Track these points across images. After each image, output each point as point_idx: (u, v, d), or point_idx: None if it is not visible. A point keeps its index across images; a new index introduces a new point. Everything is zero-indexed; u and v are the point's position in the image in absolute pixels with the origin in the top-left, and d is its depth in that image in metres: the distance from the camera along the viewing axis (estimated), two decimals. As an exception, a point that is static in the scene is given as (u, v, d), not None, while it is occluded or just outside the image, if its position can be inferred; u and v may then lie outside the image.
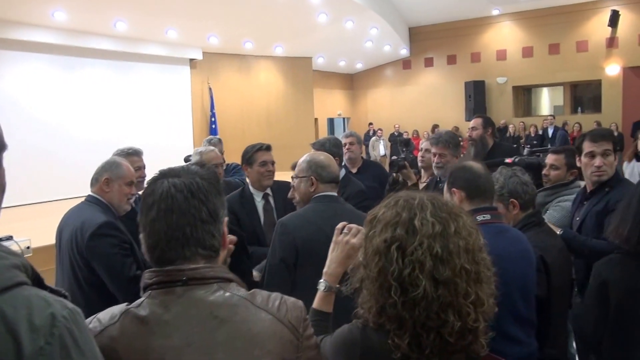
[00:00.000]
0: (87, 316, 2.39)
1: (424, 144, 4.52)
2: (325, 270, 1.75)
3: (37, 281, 1.01)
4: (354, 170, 4.69)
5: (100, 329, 1.15)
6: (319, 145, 3.81)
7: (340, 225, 1.80)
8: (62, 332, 0.93)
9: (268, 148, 3.87)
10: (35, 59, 10.69)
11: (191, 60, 14.04)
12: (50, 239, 3.19)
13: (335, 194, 2.62)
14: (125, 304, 1.20)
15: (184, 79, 13.96)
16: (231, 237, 1.38)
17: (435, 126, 18.23)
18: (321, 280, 1.73)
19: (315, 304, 1.67)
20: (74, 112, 11.24)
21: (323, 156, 2.72)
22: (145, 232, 1.22)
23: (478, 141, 4.65)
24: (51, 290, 1.01)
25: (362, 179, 4.32)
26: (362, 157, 4.87)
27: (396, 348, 1.32)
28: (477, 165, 2.29)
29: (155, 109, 12.82)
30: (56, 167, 10.51)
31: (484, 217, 2.14)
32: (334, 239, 1.78)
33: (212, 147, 4.39)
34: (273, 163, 3.72)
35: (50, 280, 3.03)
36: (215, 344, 1.13)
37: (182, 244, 1.19)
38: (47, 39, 10.53)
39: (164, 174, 1.25)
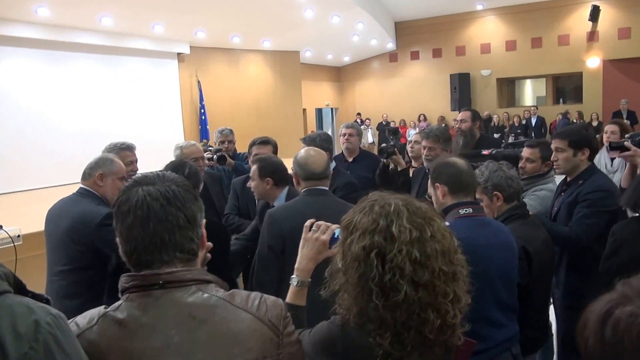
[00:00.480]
0: (87, 298, 2.54)
1: (413, 136, 4.75)
2: (296, 266, 1.79)
3: (19, 288, 1.04)
4: (350, 160, 4.79)
5: (78, 332, 1.14)
6: (310, 141, 3.88)
7: (308, 222, 1.83)
8: (46, 338, 0.97)
9: (263, 142, 4.10)
10: (21, 53, 10.60)
11: (179, 54, 13.99)
12: (40, 226, 3.23)
13: (325, 187, 2.72)
14: (103, 306, 1.21)
15: (172, 73, 13.91)
16: (207, 244, 1.38)
17: (421, 116, 18.52)
18: (293, 276, 1.77)
19: (289, 299, 1.69)
20: (62, 105, 11.20)
21: (304, 153, 2.82)
22: (122, 238, 1.22)
23: (467, 133, 4.82)
24: (33, 296, 1.04)
25: (357, 169, 4.50)
26: (360, 148, 4.92)
27: (378, 346, 1.36)
28: (460, 162, 2.35)
29: (144, 102, 12.77)
30: (44, 157, 10.55)
31: (466, 210, 2.23)
32: (303, 235, 1.82)
33: (193, 142, 4.41)
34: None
35: (41, 265, 3.15)
36: (194, 345, 1.14)
37: (159, 249, 1.19)
38: (32, 34, 10.42)
39: (138, 182, 1.25)
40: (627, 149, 3.07)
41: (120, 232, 1.22)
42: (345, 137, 4.78)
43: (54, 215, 3.00)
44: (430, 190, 2.40)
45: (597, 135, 4.45)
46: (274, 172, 3.16)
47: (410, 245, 1.36)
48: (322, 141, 3.89)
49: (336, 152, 5.22)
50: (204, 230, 1.32)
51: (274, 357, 1.23)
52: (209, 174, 4.43)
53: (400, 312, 1.36)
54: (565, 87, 18.29)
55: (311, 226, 1.82)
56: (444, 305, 1.38)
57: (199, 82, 14.33)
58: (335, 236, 1.74)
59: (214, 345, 1.16)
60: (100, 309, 1.19)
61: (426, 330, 1.37)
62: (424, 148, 4.02)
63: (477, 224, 2.21)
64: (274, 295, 1.36)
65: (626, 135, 3.29)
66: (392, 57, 19.87)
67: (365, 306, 1.38)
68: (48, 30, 10.69)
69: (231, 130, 5.32)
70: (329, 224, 1.80)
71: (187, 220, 1.23)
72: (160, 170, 1.34)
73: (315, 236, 1.78)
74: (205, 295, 1.20)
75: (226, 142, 5.13)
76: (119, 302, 1.19)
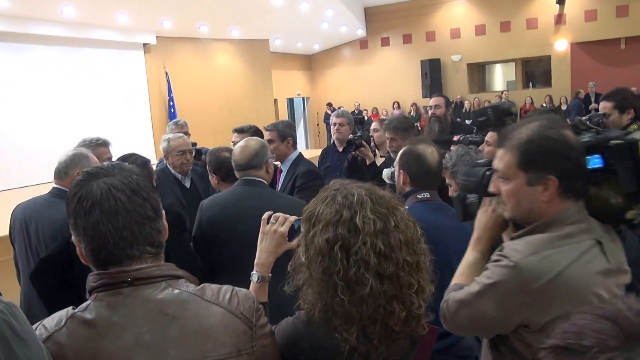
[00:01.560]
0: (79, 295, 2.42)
1: (373, 125, 4.74)
2: (256, 261, 1.76)
3: None
4: (341, 150, 4.77)
5: (46, 335, 1.12)
6: (272, 127, 3.90)
7: (265, 215, 1.80)
8: (0, 326, 0.95)
9: (237, 131, 4.22)
10: None
11: (145, 45, 13.67)
12: (5, 229, 3.10)
13: (255, 177, 2.70)
14: (71, 307, 1.18)
15: (138, 64, 13.58)
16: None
17: (395, 104, 18.50)
18: (253, 272, 1.74)
19: None
20: (24, 100, 10.82)
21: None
22: (85, 236, 1.17)
23: (443, 119, 4.81)
24: None
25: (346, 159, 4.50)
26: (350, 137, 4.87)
27: (344, 341, 1.35)
28: (430, 153, 2.38)
29: (110, 95, 12.45)
30: (8, 156, 10.18)
31: (424, 195, 2.32)
32: (261, 229, 1.78)
33: (180, 134, 4.29)
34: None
35: (11, 271, 2.99)
36: (166, 342, 1.12)
37: (130, 243, 1.16)
38: None
39: (94, 174, 1.19)
40: None
41: (83, 229, 1.16)
42: (336, 127, 4.74)
43: (29, 219, 2.85)
44: (396, 173, 2.47)
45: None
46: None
47: (374, 237, 1.34)
48: (285, 127, 3.90)
49: (308, 140, 5.20)
50: (166, 222, 1.29)
51: (248, 350, 1.21)
52: (193, 169, 4.34)
53: (366, 306, 1.34)
54: (535, 71, 18.43)
55: (269, 219, 1.79)
56: (408, 296, 1.37)
57: (166, 73, 14.02)
58: (296, 227, 1.71)
59: (186, 341, 1.14)
60: (69, 310, 1.16)
61: (392, 322, 1.37)
62: (388, 139, 4.06)
63: (434, 208, 2.30)
64: None
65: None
66: (363, 43, 19.78)
67: (330, 301, 1.36)
68: (7, 21, 10.33)
69: (185, 122, 5.24)
70: (287, 215, 1.77)
71: (153, 211, 1.21)
72: (113, 162, 1.29)
73: (274, 228, 1.75)
74: (176, 291, 1.18)
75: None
76: (87, 302, 1.16)
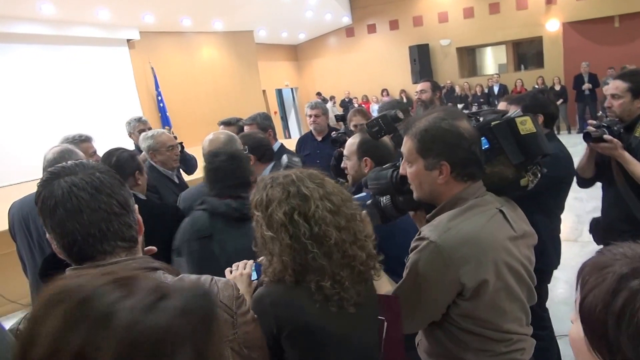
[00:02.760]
0: None
1: (352, 120, 4.62)
2: None
3: None
4: (320, 139, 4.91)
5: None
6: (251, 120, 3.99)
7: (227, 270, 1.96)
8: None
9: (224, 124, 4.22)
10: None
11: (128, 40, 13.46)
12: (2, 225, 3.24)
13: None
14: None
15: (123, 60, 13.39)
16: (151, 248, 1.43)
17: (384, 91, 18.22)
18: None
19: None
20: (8, 100, 10.62)
21: (206, 138, 3.00)
22: (55, 233, 1.19)
23: (428, 103, 4.81)
24: None
25: (328, 147, 4.51)
26: (328, 125, 5.04)
27: (319, 290, 1.55)
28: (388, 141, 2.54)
29: (99, 91, 12.27)
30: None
31: None
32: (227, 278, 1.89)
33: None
34: None
35: (12, 264, 3.24)
36: None
37: (100, 239, 1.18)
38: None
39: (57, 174, 1.20)
40: (605, 141, 2.86)
41: (51, 227, 1.19)
42: (312, 118, 4.84)
43: (26, 216, 2.95)
44: (349, 161, 2.69)
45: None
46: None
47: (322, 200, 1.57)
48: (263, 119, 4.02)
49: (302, 130, 5.24)
50: (139, 216, 1.32)
51: (230, 337, 1.24)
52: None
53: (334, 254, 1.56)
54: (526, 52, 18.17)
55: (230, 271, 1.96)
56: (362, 240, 1.62)
57: (152, 68, 13.84)
58: (254, 269, 1.90)
59: None
60: None
61: (357, 263, 1.60)
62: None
63: None
64: None
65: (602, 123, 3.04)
66: (349, 31, 19.46)
67: (304, 258, 1.54)
68: None
69: (147, 119, 5.19)
70: (245, 261, 1.96)
71: (121, 207, 1.22)
72: (76, 160, 1.28)
73: (238, 274, 1.92)
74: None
75: (146, 130, 4.71)
76: None
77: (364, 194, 2.34)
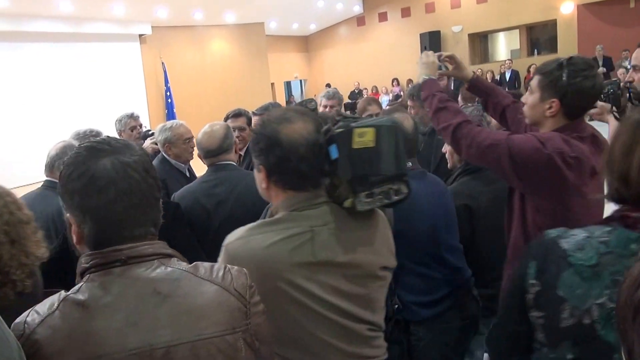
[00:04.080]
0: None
1: (365, 108, 4.48)
2: None
3: None
4: None
5: (39, 320, 1.07)
6: (262, 110, 3.88)
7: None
8: None
9: (235, 115, 4.05)
10: None
11: (140, 35, 13.58)
12: None
13: (227, 161, 2.73)
14: (63, 291, 1.13)
15: (134, 55, 13.52)
16: None
17: (395, 81, 18.13)
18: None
19: None
20: (23, 98, 10.86)
21: (200, 133, 2.85)
22: (93, 216, 1.12)
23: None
24: None
25: None
26: None
27: None
28: (407, 121, 2.39)
29: (108, 88, 12.41)
30: (7, 154, 10.29)
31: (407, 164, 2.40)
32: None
33: (180, 121, 4.04)
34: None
35: None
36: (159, 321, 1.10)
37: (138, 223, 1.15)
38: None
39: (102, 151, 1.14)
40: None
41: (91, 209, 1.11)
42: (327, 109, 4.59)
43: None
44: None
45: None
46: None
47: None
48: (274, 108, 3.77)
49: None
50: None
51: (243, 327, 1.17)
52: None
53: None
54: (540, 37, 17.95)
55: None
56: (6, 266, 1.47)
57: (163, 63, 13.89)
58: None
59: (178, 320, 1.11)
60: (61, 294, 1.12)
61: None
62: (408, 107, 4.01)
63: (418, 176, 2.31)
64: None
65: None
66: (360, 20, 19.37)
67: None
68: (5, 20, 10.36)
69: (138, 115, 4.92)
70: None
71: (159, 192, 1.20)
72: (112, 137, 1.23)
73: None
74: (169, 269, 1.15)
75: (137, 127, 4.59)
76: (80, 284, 1.12)
77: None
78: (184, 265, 1.18)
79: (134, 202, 1.13)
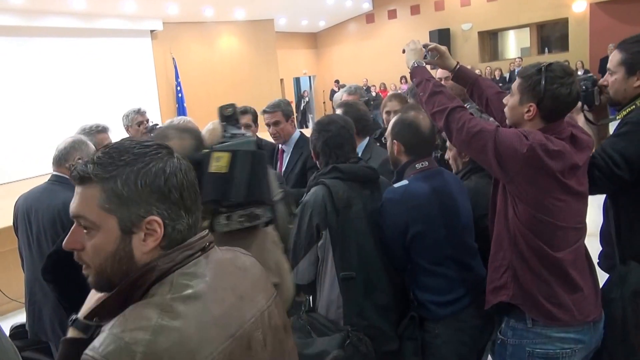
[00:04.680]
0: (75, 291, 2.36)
1: (387, 105, 4.35)
2: None
3: None
4: None
5: (150, 333, 0.96)
6: (275, 107, 3.86)
7: None
8: None
9: (241, 112, 3.98)
10: None
11: (152, 31, 13.70)
12: (10, 220, 3.18)
13: None
14: (145, 302, 1.04)
15: (145, 51, 13.64)
16: None
17: (403, 78, 18.07)
18: None
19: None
20: (35, 93, 10.97)
21: (205, 128, 2.93)
22: (190, 210, 1.13)
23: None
24: None
25: None
26: None
27: None
28: (422, 120, 2.37)
29: (120, 83, 12.52)
30: (19, 148, 10.44)
31: (422, 164, 2.33)
32: None
33: (189, 118, 4.06)
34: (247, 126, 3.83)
35: (15, 261, 3.11)
36: (252, 290, 1.20)
37: (203, 216, 1.23)
38: (3, 21, 10.34)
39: (167, 149, 1.14)
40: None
41: (187, 205, 1.13)
42: None
43: (29, 208, 2.90)
44: (388, 143, 2.48)
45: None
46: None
47: None
48: (286, 106, 3.92)
49: (315, 118, 4.96)
50: None
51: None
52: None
53: None
54: (551, 35, 17.86)
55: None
56: None
57: (173, 59, 14.05)
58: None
59: (259, 285, 1.24)
60: (149, 301, 1.03)
61: None
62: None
63: (434, 174, 2.35)
64: None
65: None
66: (369, 18, 19.35)
67: None
68: (18, 16, 10.52)
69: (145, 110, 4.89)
70: None
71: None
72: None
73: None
74: (224, 249, 1.25)
75: (144, 122, 4.54)
76: (168, 285, 1.07)
77: (404, 181, 2.30)
78: (221, 247, 1.28)
79: (199, 198, 1.19)
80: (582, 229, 2.02)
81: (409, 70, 2.36)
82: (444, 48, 2.49)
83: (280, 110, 3.69)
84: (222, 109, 1.70)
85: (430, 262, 2.24)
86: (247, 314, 1.15)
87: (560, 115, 1.97)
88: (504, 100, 2.12)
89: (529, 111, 1.97)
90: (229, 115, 1.66)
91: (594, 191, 2.13)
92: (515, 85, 2.04)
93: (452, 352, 2.25)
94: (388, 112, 4.01)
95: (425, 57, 2.42)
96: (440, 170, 2.40)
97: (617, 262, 2.20)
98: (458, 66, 2.51)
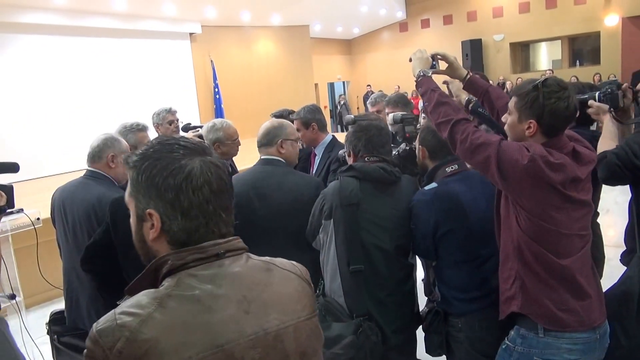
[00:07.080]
0: (107, 283, 2.56)
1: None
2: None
3: None
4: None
5: (139, 320, 1.02)
6: (296, 116, 3.86)
7: None
8: None
9: (275, 116, 4.04)
10: (36, 40, 10.69)
11: (191, 34, 14.02)
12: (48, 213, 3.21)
13: (272, 157, 2.78)
14: (153, 291, 1.09)
15: (185, 53, 13.94)
16: None
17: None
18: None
19: None
20: (75, 92, 11.25)
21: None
22: (189, 213, 1.13)
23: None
24: None
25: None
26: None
27: None
28: None
29: (159, 84, 12.79)
30: (64, 144, 10.65)
31: (452, 167, 2.35)
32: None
33: (229, 121, 3.94)
34: None
35: (54, 252, 3.20)
36: (266, 307, 1.15)
37: (225, 223, 1.18)
38: (48, 20, 10.55)
39: (195, 151, 1.17)
40: (590, 106, 2.65)
41: (185, 207, 1.13)
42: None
43: (65, 201, 2.93)
44: (417, 149, 2.54)
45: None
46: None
47: None
48: (306, 112, 3.83)
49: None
50: None
51: (316, 311, 1.27)
52: None
53: None
54: (582, 48, 17.92)
55: None
56: None
57: (212, 61, 14.33)
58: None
59: (280, 305, 1.17)
60: (149, 292, 1.08)
61: None
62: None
63: (466, 177, 2.36)
64: None
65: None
66: (402, 26, 19.60)
67: None
68: (62, 15, 10.73)
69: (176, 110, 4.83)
70: None
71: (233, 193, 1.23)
72: (193, 139, 1.23)
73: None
74: (256, 260, 1.21)
75: (175, 121, 4.55)
76: (174, 281, 1.10)
77: (433, 184, 2.34)
78: (264, 258, 1.25)
79: (224, 203, 1.17)
80: (586, 237, 2.03)
81: (415, 80, 2.37)
82: (452, 57, 2.51)
83: (298, 119, 3.74)
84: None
85: (457, 260, 2.28)
86: (248, 329, 1.11)
87: (560, 129, 1.98)
88: (502, 119, 2.13)
89: (529, 128, 1.97)
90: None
91: (614, 181, 2.28)
92: (511, 103, 2.04)
93: (474, 346, 2.28)
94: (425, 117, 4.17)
95: (433, 67, 2.42)
96: (468, 173, 2.39)
97: (638, 250, 2.33)
98: (469, 76, 2.50)
